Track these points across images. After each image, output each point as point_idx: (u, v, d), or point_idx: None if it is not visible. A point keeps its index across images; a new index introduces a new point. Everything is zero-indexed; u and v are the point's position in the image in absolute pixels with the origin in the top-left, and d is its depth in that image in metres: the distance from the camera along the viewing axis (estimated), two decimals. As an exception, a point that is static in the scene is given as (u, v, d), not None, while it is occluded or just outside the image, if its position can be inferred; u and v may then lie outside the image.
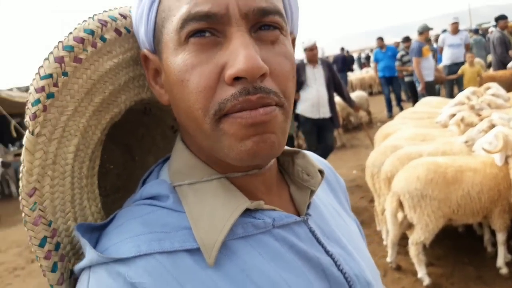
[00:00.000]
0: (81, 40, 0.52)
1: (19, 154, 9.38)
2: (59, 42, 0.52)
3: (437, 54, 10.26)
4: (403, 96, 10.49)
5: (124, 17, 0.58)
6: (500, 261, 3.07)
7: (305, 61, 5.26)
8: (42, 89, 0.50)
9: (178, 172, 0.58)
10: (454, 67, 8.05)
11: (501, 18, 8.14)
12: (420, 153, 3.35)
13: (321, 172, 0.63)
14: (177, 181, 0.57)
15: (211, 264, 0.49)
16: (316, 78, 5.20)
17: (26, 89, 11.70)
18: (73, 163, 0.57)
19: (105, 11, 0.58)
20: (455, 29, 8.09)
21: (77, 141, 0.56)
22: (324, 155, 5.37)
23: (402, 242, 3.33)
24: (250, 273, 0.51)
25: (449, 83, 8.33)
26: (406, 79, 8.84)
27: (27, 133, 0.51)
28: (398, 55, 8.96)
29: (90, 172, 0.61)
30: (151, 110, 0.71)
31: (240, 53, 0.47)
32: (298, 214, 0.61)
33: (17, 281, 4.51)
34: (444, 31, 9.87)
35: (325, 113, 5.21)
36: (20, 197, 0.52)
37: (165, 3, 0.52)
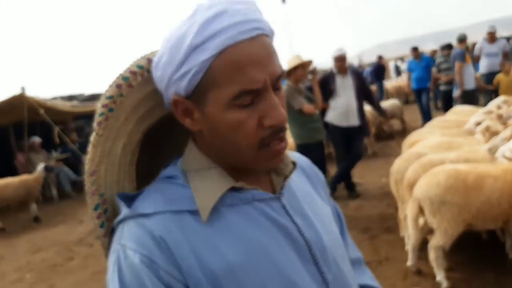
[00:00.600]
0: (134, 73, 0.79)
1: (60, 160, 9.85)
2: (120, 74, 0.78)
3: (475, 63, 10.11)
4: (439, 104, 10.37)
5: None
6: (520, 268, 3.10)
7: (335, 70, 5.41)
8: (106, 105, 0.77)
9: (188, 162, 0.80)
10: (491, 76, 8.00)
11: None
12: (443, 161, 3.42)
13: (293, 163, 0.86)
14: (187, 167, 0.80)
15: (205, 220, 0.72)
16: (345, 87, 5.34)
17: (69, 98, 12.26)
18: (121, 156, 0.82)
19: (152, 52, 0.81)
20: (492, 38, 8.05)
21: (124, 141, 0.81)
22: (352, 163, 5.49)
23: (424, 247, 3.39)
24: (233, 229, 0.73)
25: (487, 92, 8.23)
26: (442, 87, 8.76)
27: (93, 134, 0.78)
28: (436, 62, 8.89)
29: (131, 162, 0.85)
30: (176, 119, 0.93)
31: (274, 112, 0.71)
32: (274, 193, 0.82)
33: (56, 277, 4.84)
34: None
35: (354, 121, 5.33)
36: (84, 176, 0.79)
37: (211, 75, 0.69)
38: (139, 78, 0.79)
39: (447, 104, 8.20)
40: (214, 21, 0.67)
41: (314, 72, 5.40)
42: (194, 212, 0.73)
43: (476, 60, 8.84)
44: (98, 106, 0.78)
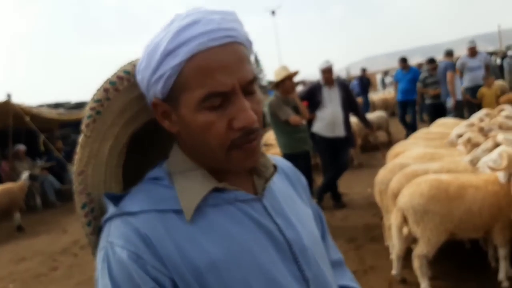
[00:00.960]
0: (121, 78, 0.83)
1: (45, 168, 9.70)
2: (107, 78, 0.82)
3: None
4: (424, 117, 10.49)
5: None
6: (502, 275, 3.17)
7: (322, 82, 5.49)
8: (94, 108, 0.81)
9: (173, 164, 0.84)
10: (475, 89, 8.19)
11: None
12: (426, 171, 3.49)
13: (274, 166, 0.90)
14: (172, 169, 0.83)
15: (189, 220, 0.75)
16: (331, 99, 5.41)
17: (55, 106, 12.13)
18: (108, 157, 0.85)
19: (137, 58, 0.83)
20: (473, 53, 8.27)
21: (111, 143, 0.85)
22: (338, 173, 5.55)
23: (408, 256, 3.44)
24: (216, 227, 0.77)
25: (471, 105, 8.39)
26: (428, 101, 8.87)
27: (82, 135, 0.82)
28: (421, 77, 8.96)
29: (117, 164, 0.88)
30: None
31: (242, 114, 0.74)
32: (256, 194, 0.86)
33: (40, 287, 4.78)
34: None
35: (340, 132, 5.39)
36: (72, 175, 0.83)
37: (183, 79, 0.74)
38: (126, 83, 0.83)
39: (434, 117, 8.30)
40: (187, 29, 0.73)
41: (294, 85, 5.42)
42: (179, 212, 0.76)
43: (460, 76, 9.04)
44: (87, 109, 0.82)
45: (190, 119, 0.76)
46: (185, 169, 0.82)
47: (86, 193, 0.83)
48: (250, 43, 0.81)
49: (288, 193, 0.95)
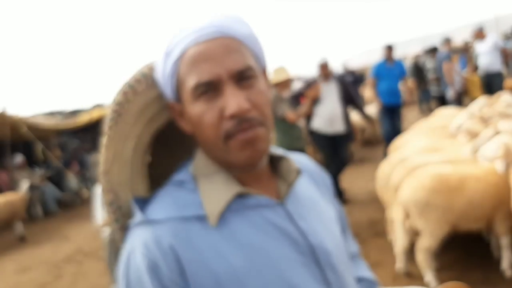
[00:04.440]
0: (139, 80, 0.87)
1: (45, 178, 9.68)
2: (126, 82, 0.86)
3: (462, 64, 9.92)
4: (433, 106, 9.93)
5: None
6: (505, 264, 3.19)
7: (318, 78, 5.48)
8: (115, 111, 0.85)
9: (197, 167, 0.86)
10: (485, 77, 7.69)
11: None
12: (427, 163, 3.48)
13: (298, 171, 0.89)
14: (196, 172, 0.85)
15: (214, 225, 0.77)
16: (329, 94, 5.40)
17: (50, 115, 12.16)
18: (132, 156, 0.88)
19: (153, 61, 0.88)
20: (478, 35, 7.69)
21: (134, 142, 0.88)
22: (339, 169, 5.54)
23: (412, 249, 3.44)
24: (238, 235, 0.77)
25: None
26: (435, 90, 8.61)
27: (105, 136, 0.85)
28: (428, 67, 8.53)
29: (142, 163, 0.91)
30: None
31: (231, 101, 0.75)
32: (280, 199, 0.86)
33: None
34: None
35: (339, 127, 5.38)
36: (99, 176, 0.86)
37: (180, 76, 0.80)
38: (144, 85, 0.86)
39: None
40: (182, 31, 0.80)
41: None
42: (202, 218, 0.78)
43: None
44: (108, 112, 0.86)
45: (189, 113, 0.80)
46: (208, 172, 0.84)
47: (113, 192, 0.86)
48: (252, 40, 0.83)
49: (313, 195, 0.95)
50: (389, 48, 6.82)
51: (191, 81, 0.77)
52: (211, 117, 0.77)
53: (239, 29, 0.81)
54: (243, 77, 0.78)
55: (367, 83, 8.00)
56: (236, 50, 0.79)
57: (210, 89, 0.77)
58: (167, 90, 0.84)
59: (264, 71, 0.89)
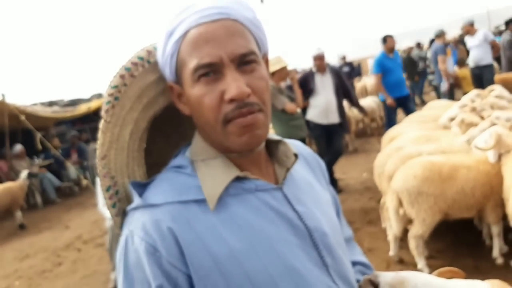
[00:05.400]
0: (135, 64, 0.85)
1: (43, 166, 9.79)
2: (122, 65, 0.84)
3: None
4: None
5: None
6: (496, 252, 3.27)
7: (314, 69, 5.54)
8: (112, 94, 0.82)
9: (195, 152, 0.86)
10: (476, 70, 7.82)
11: (511, 22, 8.19)
12: (420, 153, 3.56)
13: (295, 155, 0.90)
14: (194, 157, 0.85)
15: (213, 209, 0.77)
16: (324, 86, 5.47)
17: (49, 104, 12.14)
18: (129, 141, 0.87)
19: (150, 44, 0.88)
20: (469, 31, 7.85)
21: (131, 127, 0.86)
22: (334, 159, 5.63)
23: (405, 237, 3.54)
24: (236, 218, 0.78)
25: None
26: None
27: (102, 121, 0.83)
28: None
29: (139, 148, 0.90)
30: None
31: (232, 84, 0.75)
32: (277, 183, 0.88)
33: (45, 283, 4.85)
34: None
35: (334, 119, 5.47)
36: (96, 161, 0.84)
37: (181, 56, 0.79)
38: (140, 68, 0.85)
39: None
40: (184, 11, 0.79)
41: (293, 71, 5.52)
42: (200, 201, 0.78)
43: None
44: (105, 95, 0.83)
45: (189, 95, 0.80)
46: (206, 157, 0.84)
47: (110, 176, 0.84)
48: (255, 25, 0.83)
49: (309, 179, 0.96)
50: (391, 39, 6.63)
51: (191, 63, 0.77)
52: (210, 100, 0.76)
53: (243, 12, 0.80)
54: (244, 62, 0.78)
55: (374, 78, 6.96)
56: (239, 34, 0.78)
57: (210, 71, 0.76)
58: (167, 70, 0.83)
59: (266, 58, 0.90)
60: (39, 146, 8.91)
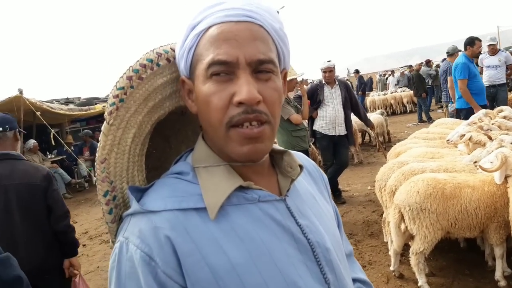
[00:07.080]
0: (144, 66, 0.80)
1: (55, 161, 9.94)
2: (130, 66, 0.81)
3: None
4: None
5: (173, 50, 0.85)
6: (498, 274, 3.23)
7: (324, 81, 5.62)
8: (117, 96, 0.78)
9: (197, 158, 0.83)
10: (491, 88, 7.59)
11: None
12: (424, 169, 3.56)
13: (300, 166, 0.88)
14: (196, 164, 0.82)
15: (213, 218, 0.74)
16: (333, 98, 5.55)
17: (65, 102, 12.30)
18: (130, 145, 0.83)
19: (161, 46, 0.86)
20: (493, 50, 7.62)
21: (134, 131, 0.83)
22: (339, 170, 5.68)
23: (406, 252, 3.53)
24: (237, 229, 0.75)
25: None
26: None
27: (104, 123, 0.80)
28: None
29: (140, 152, 0.87)
30: (186, 113, 0.94)
31: (243, 87, 0.71)
32: (281, 195, 0.85)
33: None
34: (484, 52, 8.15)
35: (341, 130, 5.54)
36: (95, 163, 0.81)
37: (198, 50, 0.77)
38: (149, 71, 0.81)
39: None
40: (211, 7, 0.77)
41: (302, 82, 5.60)
42: (200, 210, 0.75)
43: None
44: (110, 97, 0.79)
45: (199, 92, 0.77)
46: (209, 164, 0.81)
47: (109, 181, 0.81)
48: (280, 37, 0.81)
49: (312, 192, 0.94)
50: (480, 42, 6.08)
51: (207, 58, 0.74)
52: (218, 100, 0.73)
53: (270, 21, 0.78)
54: (261, 69, 0.75)
55: (459, 84, 6.17)
56: (261, 39, 0.76)
57: (224, 71, 0.73)
58: (182, 64, 0.80)
59: (285, 74, 0.87)
60: (53, 142, 9.08)
